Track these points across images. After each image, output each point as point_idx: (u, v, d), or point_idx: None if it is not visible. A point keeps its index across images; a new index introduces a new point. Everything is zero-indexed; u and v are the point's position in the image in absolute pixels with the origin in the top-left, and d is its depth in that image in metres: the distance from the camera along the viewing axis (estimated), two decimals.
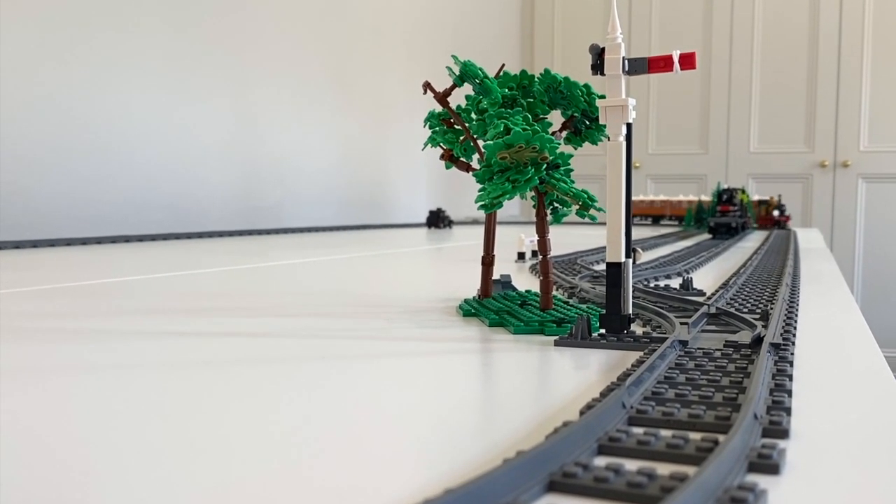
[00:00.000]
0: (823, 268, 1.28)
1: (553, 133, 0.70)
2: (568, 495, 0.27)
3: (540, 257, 0.70)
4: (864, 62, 3.89)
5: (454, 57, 0.72)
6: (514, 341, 0.60)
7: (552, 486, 0.27)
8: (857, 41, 3.90)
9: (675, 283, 0.98)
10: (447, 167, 0.79)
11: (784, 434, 0.34)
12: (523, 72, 0.73)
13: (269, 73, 2.52)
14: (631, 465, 0.29)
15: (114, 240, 1.84)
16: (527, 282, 0.96)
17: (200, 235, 2.11)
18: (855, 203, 3.97)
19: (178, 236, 2.03)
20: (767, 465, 0.29)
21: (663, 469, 0.28)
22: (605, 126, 0.59)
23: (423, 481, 0.29)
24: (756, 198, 2.78)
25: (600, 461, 0.30)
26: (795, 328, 0.61)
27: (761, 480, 0.28)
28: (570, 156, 0.67)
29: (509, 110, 0.68)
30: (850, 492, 0.28)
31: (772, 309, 0.68)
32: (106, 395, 0.44)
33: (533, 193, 0.68)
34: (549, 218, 0.69)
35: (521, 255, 1.35)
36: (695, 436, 0.33)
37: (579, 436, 0.31)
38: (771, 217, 2.72)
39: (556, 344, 0.58)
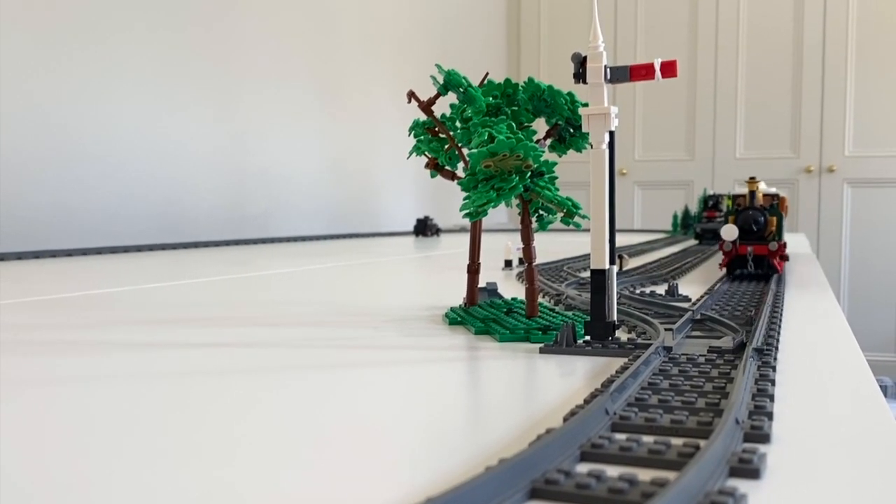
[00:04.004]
0: (809, 273, 1.29)
1: (537, 141, 0.71)
2: (550, 502, 0.27)
3: (525, 265, 0.71)
4: (848, 67, 3.92)
5: (438, 66, 0.72)
6: (499, 349, 0.60)
7: (534, 493, 0.27)
8: (841, 46, 3.93)
9: (661, 289, 0.98)
10: (432, 176, 0.79)
11: (765, 439, 0.34)
12: (507, 80, 0.73)
13: (256, 82, 2.52)
14: (613, 471, 0.29)
15: (100, 251, 1.83)
16: (513, 289, 0.96)
17: (187, 245, 2.10)
18: (841, 208, 3.99)
19: (164, 247, 2.02)
20: (748, 469, 0.30)
21: (645, 475, 0.28)
22: (588, 134, 0.59)
23: (406, 489, 0.29)
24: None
25: (582, 468, 0.30)
26: (779, 333, 0.62)
27: (742, 485, 0.28)
28: (555, 163, 0.67)
29: (493, 118, 0.69)
30: (830, 496, 0.29)
31: (756, 314, 0.68)
32: (93, 407, 0.44)
33: (518, 201, 0.68)
34: (535, 225, 0.70)
35: (507, 263, 1.35)
36: (677, 441, 0.33)
37: (562, 443, 0.31)
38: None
39: (542, 351, 0.58)
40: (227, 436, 0.37)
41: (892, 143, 3.87)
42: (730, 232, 1.04)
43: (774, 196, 1.10)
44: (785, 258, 1.08)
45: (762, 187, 1.09)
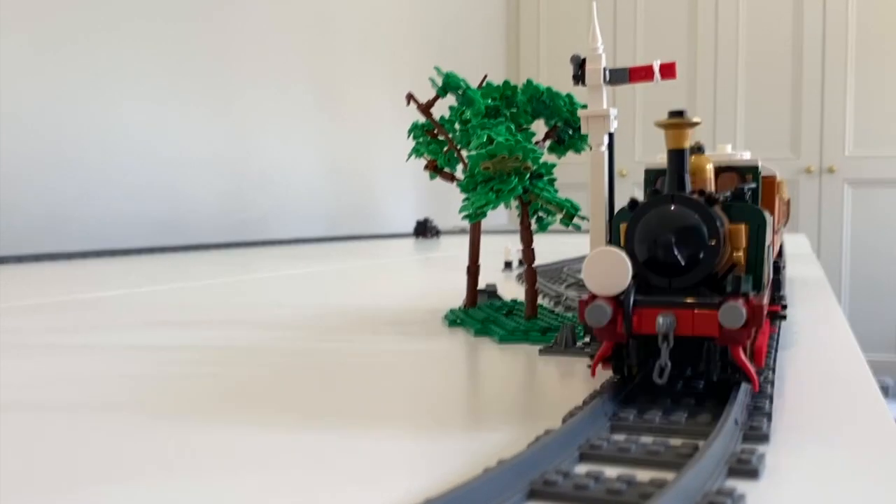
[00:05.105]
0: (809, 273, 1.29)
1: (536, 143, 0.71)
2: (548, 503, 0.27)
3: (525, 266, 0.71)
4: (847, 68, 3.92)
5: (437, 68, 0.72)
6: (498, 350, 0.60)
7: (533, 494, 0.27)
8: (841, 46, 3.93)
9: None
10: (431, 177, 0.79)
11: (764, 439, 0.34)
12: (506, 82, 0.73)
13: (255, 84, 2.52)
14: (611, 471, 0.29)
15: (99, 254, 1.83)
16: (513, 291, 0.96)
17: (186, 248, 2.10)
18: (841, 208, 3.99)
19: (163, 249, 2.02)
20: (747, 469, 0.30)
21: (644, 475, 0.28)
22: (587, 135, 0.59)
23: (404, 490, 0.29)
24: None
25: (581, 468, 0.30)
26: (778, 334, 0.62)
27: (740, 485, 0.28)
28: (554, 165, 0.67)
29: (492, 120, 0.69)
30: (829, 496, 0.29)
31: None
32: (89, 409, 0.44)
33: (517, 203, 0.68)
34: (534, 227, 0.70)
35: (507, 265, 1.35)
36: (676, 441, 0.33)
37: (561, 443, 0.31)
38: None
39: (541, 352, 0.58)
40: (226, 438, 0.37)
41: (893, 144, 3.87)
42: (606, 274, 0.38)
43: (750, 173, 0.52)
44: (780, 316, 0.55)
45: (725, 153, 0.57)
